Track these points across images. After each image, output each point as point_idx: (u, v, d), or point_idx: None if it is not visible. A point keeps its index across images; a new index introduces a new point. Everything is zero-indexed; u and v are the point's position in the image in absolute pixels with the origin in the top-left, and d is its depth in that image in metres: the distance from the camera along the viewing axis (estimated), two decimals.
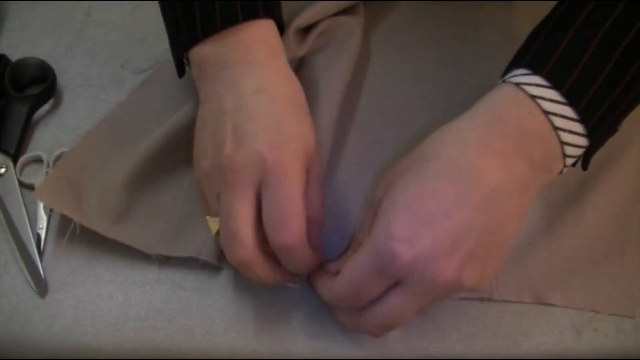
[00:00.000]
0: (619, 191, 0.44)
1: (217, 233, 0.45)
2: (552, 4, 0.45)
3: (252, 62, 0.46)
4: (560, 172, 0.43)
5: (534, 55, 0.43)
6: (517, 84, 0.42)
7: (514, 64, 0.43)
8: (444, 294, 0.41)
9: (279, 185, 0.43)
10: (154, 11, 0.60)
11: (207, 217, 0.46)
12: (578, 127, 0.41)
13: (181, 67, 0.51)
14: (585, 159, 0.45)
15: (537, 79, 0.41)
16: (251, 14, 0.47)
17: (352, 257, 0.42)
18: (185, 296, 0.49)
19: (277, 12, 0.50)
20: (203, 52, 0.47)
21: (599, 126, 0.42)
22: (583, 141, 0.42)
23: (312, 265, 0.46)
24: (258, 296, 0.49)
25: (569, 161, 0.42)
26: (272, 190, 0.43)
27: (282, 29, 0.51)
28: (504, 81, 0.43)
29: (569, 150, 0.42)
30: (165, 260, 0.50)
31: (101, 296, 0.49)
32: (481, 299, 0.49)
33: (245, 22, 0.47)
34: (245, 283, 0.50)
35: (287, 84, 0.47)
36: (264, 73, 0.46)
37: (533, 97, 0.41)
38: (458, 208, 0.40)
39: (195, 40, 0.47)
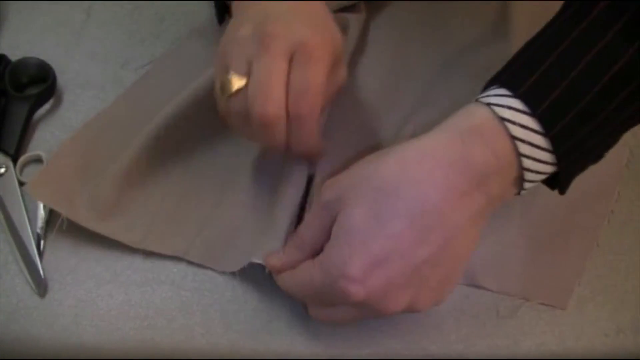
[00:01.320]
0: (573, 183, 0.45)
1: (234, 93, 0.45)
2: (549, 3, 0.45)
3: None
4: (518, 194, 0.43)
5: (512, 74, 0.42)
6: (489, 104, 0.41)
7: (492, 81, 0.43)
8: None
9: (310, 63, 0.44)
10: (154, 11, 0.60)
11: (232, 74, 0.45)
12: (545, 156, 0.41)
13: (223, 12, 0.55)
14: (563, 184, 0.44)
15: (510, 101, 0.40)
16: None
17: (304, 271, 0.43)
18: (185, 296, 0.49)
19: None
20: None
21: (570, 154, 0.41)
22: (547, 168, 0.41)
23: (316, 146, 0.47)
24: (258, 296, 0.49)
25: (527, 185, 0.42)
26: (303, 64, 0.44)
27: None
28: (477, 100, 0.42)
29: (529, 176, 0.41)
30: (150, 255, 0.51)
31: (101, 296, 0.49)
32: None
33: None
34: (245, 283, 0.50)
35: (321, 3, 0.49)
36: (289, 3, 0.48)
37: (503, 119, 0.40)
38: (414, 250, 0.40)
39: None
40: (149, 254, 0.51)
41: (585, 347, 0.48)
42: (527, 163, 0.41)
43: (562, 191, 0.44)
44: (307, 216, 0.47)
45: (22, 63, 0.59)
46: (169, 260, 0.51)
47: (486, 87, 0.44)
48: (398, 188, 0.41)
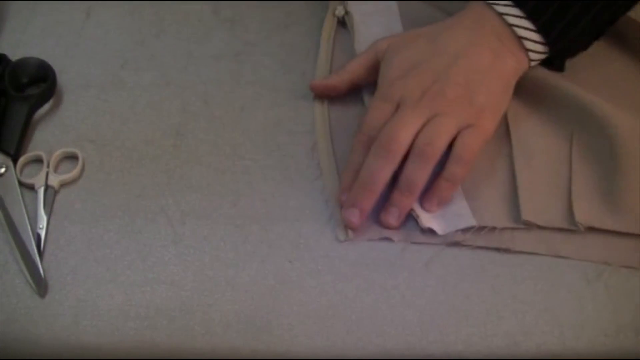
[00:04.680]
0: None
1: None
2: None
3: None
4: (529, 66, 0.56)
5: None
6: (489, 5, 0.54)
7: None
8: (436, 106, 0.52)
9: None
10: (154, 11, 0.60)
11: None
12: (540, 47, 0.55)
13: None
14: (560, 62, 0.58)
15: (506, 1, 0.54)
16: None
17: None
18: (185, 296, 0.49)
19: None
20: None
21: (559, 37, 0.55)
22: (542, 48, 0.55)
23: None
24: (258, 296, 0.49)
25: (533, 55, 0.55)
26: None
27: None
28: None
29: (529, 45, 0.54)
30: None
31: (101, 296, 0.49)
32: (499, 249, 0.52)
33: None
34: (245, 283, 0.50)
35: None
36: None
37: (500, 14, 0.54)
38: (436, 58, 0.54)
39: None
40: (148, 253, 0.51)
41: (585, 347, 0.48)
42: (521, 33, 0.54)
43: (561, 67, 0.58)
44: (356, 57, 0.60)
45: (22, 63, 0.59)
46: (169, 260, 0.51)
47: None
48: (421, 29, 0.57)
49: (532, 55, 0.55)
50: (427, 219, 0.52)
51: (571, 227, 0.52)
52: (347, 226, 0.52)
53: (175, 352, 0.47)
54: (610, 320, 0.49)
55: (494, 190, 0.54)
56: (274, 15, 0.67)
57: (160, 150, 0.57)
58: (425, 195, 0.53)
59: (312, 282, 0.50)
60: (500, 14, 0.55)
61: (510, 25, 0.54)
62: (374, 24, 0.65)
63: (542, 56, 0.56)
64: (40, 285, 0.49)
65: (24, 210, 0.52)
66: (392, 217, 0.52)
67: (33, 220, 0.52)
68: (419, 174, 0.52)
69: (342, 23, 0.65)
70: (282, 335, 0.48)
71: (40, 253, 0.51)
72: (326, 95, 0.60)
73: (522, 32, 0.54)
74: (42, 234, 0.51)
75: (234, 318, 0.48)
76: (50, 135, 0.57)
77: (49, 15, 0.65)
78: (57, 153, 0.56)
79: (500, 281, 0.51)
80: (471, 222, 0.52)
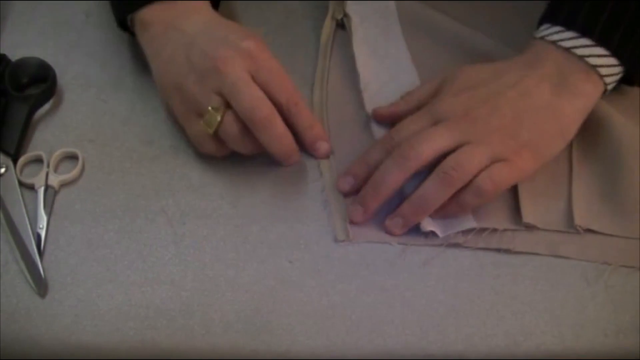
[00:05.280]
0: None
1: (220, 122, 0.52)
2: None
3: (192, 14, 0.56)
4: (605, 91, 0.54)
5: (565, 13, 0.54)
6: (553, 42, 0.54)
7: (546, 20, 0.55)
8: (474, 132, 0.51)
9: (267, 61, 0.53)
10: None
11: (210, 109, 0.52)
12: (611, 60, 0.53)
13: (123, 25, 0.60)
14: (637, 78, 0.57)
15: (570, 34, 0.53)
16: None
17: (416, 117, 0.54)
18: (185, 296, 0.49)
19: None
20: (149, 13, 0.56)
21: (632, 54, 0.53)
22: (617, 70, 0.53)
23: (317, 122, 0.56)
24: (258, 295, 0.49)
25: (608, 79, 0.53)
26: (263, 66, 0.52)
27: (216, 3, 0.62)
28: (541, 38, 0.55)
29: (604, 71, 0.53)
30: None
31: (101, 296, 0.49)
32: (499, 250, 0.52)
33: None
34: (245, 283, 0.50)
35: (224, 18, 0.57)
36: (203, 16, 0.56)
37: (567, 49, 0.53)
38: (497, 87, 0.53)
39: (140, 4, 0.56)
40: (148, 253, 0.51)
41: (585, 347, 0.48)
42: (595, 63, 0.53)
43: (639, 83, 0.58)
44: (424, 82, 0.59)
45: (22, 63, 0.59)
46: (169, 260, 0.51)
47: (540, 25, 0.56)
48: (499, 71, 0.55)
49: (608, 80, 0.53)
50: (428, 223, 0.52)
51: (571, 230, 0.52)
52: (351, 221, 0.53)
53: (175, 352, 0.47)
54: (610, 320, 0.49)
55: (494, 198, 0.54)
56: (274, 15, 0.67)
57: (160, 151, 0.57)
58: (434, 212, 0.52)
59: (312, 282, 0.50)
60: (568, 49, 0.53)
61: (581, 57, 0.52)
62: (372, 25, 0.65)
63: (618, 77, 0.54)
64: (40, 285, 0.49)
65: (24, 210, 0.52)
66: (397, 227, 0.52)
67: (33, 220, 0.52)
68: (436, 195, 0.50)
69: (341, 25, 0.65)
70: (282, 335, 0.48)
71: (40, 253, 0.51)
72: (390, 121, 0.57)
73: (594, 61, 0.52)
74: (42, 234, 0.51)
75: (234, 318, 0.48)
76: (50, 135, 0.57)
77: (49, 15, 0.65)
78: (57, 153, 0.55)
79: (500, 281, 0.51)
80: (472, 224, 0.52)
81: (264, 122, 0.51)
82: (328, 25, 0.65)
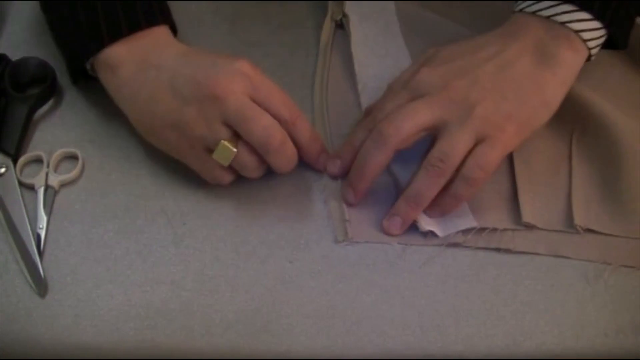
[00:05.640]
0: None
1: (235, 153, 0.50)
2: None
3: (162, 47, 0.53)
4: (589, 57, 0.53)
5: None
6: (533, 12, 0.53)
7: None
8: (453, 107, 0.50)
9: (263, 79, 0.51)
10: None
11: (223, 142, 0.49)
12: (593, 24, 0.52)
13: (78, 73, 0.56)
14: (623, 40, 0.56)
15: (550, 2, 0.52)
16: (152, 21, 0.54)
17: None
18: (185, 296, 0.49)
19: (170, 19, 0.57)
20: (114, 54, 0.53)
21: (614, 16, 0.52)
22: (600, 33, 0.52)
23: (318, 137, 0.55)
24: (258, 296, 0.49)
25: (592, 43, 0.52)
26: (259, 85, 0.50)
27: (175, 31, 0.57)
28: (520, 10, 0.54)
29: (587, 35, 0.52)
30: None
31: (101, 296, 0.49)
32: (499, 249, 0.52)
33: (146, 29, 0.53)
34: (245, 283, 0.50)
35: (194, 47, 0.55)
36: (175, 47, 0.54)
37: (547, 17, 0.52)
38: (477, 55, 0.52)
39: (100, 46, 0.52)
40: (148, 253, 0.51)
41: (585, 347, 0.48)
42: (577, 27, 0.52)
43: (624, 44, 0.56)
44: (407, 67, 0.57)
45: (22, 63, 0.59)
46: (169, 260, 0.51)
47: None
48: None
49: (591, 44, 0.52)
50: (427, 223, 0.52)
51: (570, 230, 0.52)
52: (346, 204, 0.53)
53: (175, 352, 0.47)
54: (610, 320, 0.49)
55: (495, 192, 0.54)
56: (274, 15, 0.67)
57: (160, 151, 0.57)
58: (429, 205, 0.52)
59: (312, 282, 0.50)
60: (548, 17, 0.52)
61: (563, 24, 0.52)
62: (371, 25, 0.65)
63: (601, 41, 0.53)
64: (40, 285, 0.49)
65: (24, 210, 0.52)
66: (395, 226, 0.52)
67: (33, 220, 0.52)
68: (428, 188, 0.50)
69: (341, 25, 0.65)
70: (282, 335, 0.48)
71: (40, 253, 0.51)
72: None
73: (576, 26, 0.52)
74: (42, 234, 0.51)
75: (234, 318, 0.48)
76: (50, 135, 0.57)
77: None
78: (57, 153, 0.55)
79: (500, 281, 0.51)
80: (472, 223, 0.52)
81: (279, 148, 0.50)
82: (328, 26, 0.65)
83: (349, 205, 0.53)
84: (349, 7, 0.65)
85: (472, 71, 0.51)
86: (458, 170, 0.50)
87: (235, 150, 0.50)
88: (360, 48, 0.63)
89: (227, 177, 0.52)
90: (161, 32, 0.55)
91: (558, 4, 0.52)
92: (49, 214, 0.52)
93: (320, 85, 0.61)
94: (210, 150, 0.50)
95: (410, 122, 0.50)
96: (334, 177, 0.55)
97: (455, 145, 0.49)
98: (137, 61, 0.52)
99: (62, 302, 0.49)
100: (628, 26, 0.56)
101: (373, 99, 0.60)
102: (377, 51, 0.64)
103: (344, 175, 0.54)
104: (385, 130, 0.50)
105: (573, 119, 0.57)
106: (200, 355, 0.47)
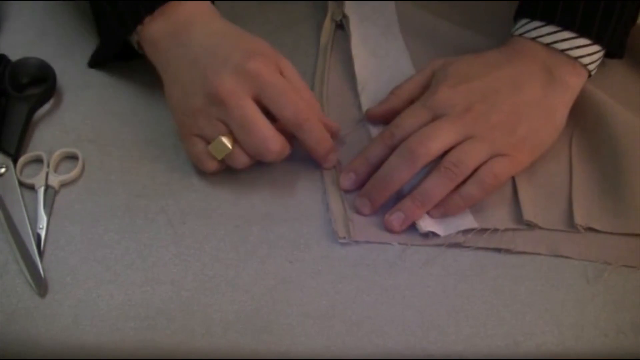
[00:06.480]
0: None
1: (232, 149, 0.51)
2: None
3: (196, 23, 0.54)
4: (590, 74, 0.56)
5: (542, 7, 0.55)
6: (533, 38, 0.55)
7: (523, 15, 0.57)
8: (476, 128, 0.52)
9: (272, 79, 0.51)
10: None
11: (221, 138, 0.51)
12: (592, 49, 0.54)
13: (123, 48, 0.58)
14: (620, 51, 0.58)
15: (549, 29, 0.55)
16: None
17: (411, 110, 0.55)
18: (185, 296, 0.49)
19: None
20: (152, 30, 0.54)
21: (612, 36, 0.55)
22: (599, 55, 0.55)
23: (327, 137, 0.54)
24: (258, 296, 0.49)
25: (591, 66, 0.55)
26: (267, 87, 0.51)
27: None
28: (519, 35, 0.56)
29: (586, 60, 0.55)
30: None
31: (101, 296, 0.49)
32: (499, 250, 0.52)
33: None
34: (245, 283, 0.50)
35: (229, 24, 0.55)
36: (208, 25, 0.55)
37: (547, 45, 0.55)
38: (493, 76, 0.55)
39: (139, 19, 0.54)
40: (148, 253, 0.51)
41: (585, 347, 0.48)
42: (585, 60, 0.55)
43: (620, 56, 0.59)
44: (412, 76, 0.59)
45: (22, 63, 0.59)
46: (169, 260, 0.51)
47: (516, 20, 0.58)
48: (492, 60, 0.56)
49: (591, 67, 0.55)
50: (428, 224, 0.52)
51: (571, 230, 0.52)
52: (358, 213, 0.53)
53: (175, 352, 0.47)
54: (610, 320, 0.49)
55: (495, 192, 0.54)
56: (274, 15, 0.67)
57: (160, 150, 0.57)
58: (434, 207, 0.53)
59: (312, 282, 0.50)
60: (548, 45, 0.55)
61: (563, 51, 0.54)
62: (372, 25, 0.65)
63: (600, 57, 0.56)
64: (40, 285, 0.49)
65: (24, 210, 0.52)
66: (397, 222, 0.52)
67: (33, 220, 0.52)
68: (438, 189, 0.51)
69: (341, 25, 0.65)
70: (282, 335, 0.48)
71: (40, 253, 0.51)
72: (385, 119, 0.58)
73: (576, 52, 0.54)
74: (42, 234, 0.51)
75: (234, 318, 0.48)
76: (50, 135, 0.57)
77: (49, 15, 0.65)
78: (57, 153, 0.55)
79: (500, 281, 0.51)
80: (472, 224, 0.52)
81: (275, 158, 0.52)
82: (328, 26, 0.65)
83: (361, 215, 0.53)
84: (349, 8, 0.65)
85: (491, 95, 0.54)
86: (467, 179, 0.52)
87: (230, 147, 0.51)
88: (360, 48, 0.63)
89: (214, 167, 0.54)
90: (197, 4, 0.56)
91: (557, 31, 0.55)
92: (49, 214, 0.52)
93: (320, 85, 0.61)
94: (207, 141, 0.52)
95: (438, 141, 0.52)
96: (347, 191, 0.55)
97: (471, 154, 0.51)
98: (171, 37, 0.54)
99: (62, 302, 0.49)
100: (624, 40, 0.59)
101: (373, 99, 0.60)
102: (377, 52, 0.64)
103: (358, 188, 0.54)
104: (417, 149, 0.51)
105: (573, 118, 0.57)
106: (200, 355, 0.47)
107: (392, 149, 0.53)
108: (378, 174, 0.53)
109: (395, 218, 0.52)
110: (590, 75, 0.56)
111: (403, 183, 0.52)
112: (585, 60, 0.55)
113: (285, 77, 0.53)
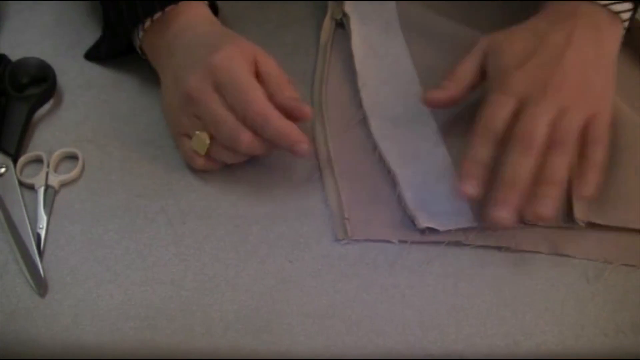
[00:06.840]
0: None
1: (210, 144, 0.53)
2: None
3: (187, 30, 0.56)
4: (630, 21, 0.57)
5: None
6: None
7: None
8: (562, 99, 0.52)
9: (227, 75, 0.51)
10: None
11: (198, 133, 0.53)
12: (628, 5, 0.55)
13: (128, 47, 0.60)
14: None
15: None
16: None
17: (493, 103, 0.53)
18: (185, 296, 0.49)
19: None
20: (149, 41, 0.57)
21: None
22: (631, 6, 0.56)
23: (287, 131, 0.51)
24: (258, 296, 0.49)
25: (625, 18, 0.56)
26: (224, 82, 0.51)
27: (215, 9, 0.61)
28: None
29: (624, 16, 0.56)
30: None
31: (101, 296, 0.49)
32: (499, 248, 0.52)
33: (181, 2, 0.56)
34: (245, 283, 0.50)
35: (217, 27, 0.57)
36: (195, 29, 0.56)
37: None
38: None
39: (137, 21, 0.56)
40: (148, 253, 0.51)
41: (585, 347, 0.48)
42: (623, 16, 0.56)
43: None
44: (463, 60, 0.57)
45: (22, 63, 0.59)
46: (168, 260, 0.51)
47: None
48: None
49: (626, 24, 0.57)
50: (426, 219, 0.52)
51: (571, 226, 0.52)
52: (500, 225, 0.50)
53: (175, 352, 0.47)
54: (610, 320, 0.49)
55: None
56: (274, 15, 0.67)
57: (160, 151, 0.57)
58: (579, 183, 0.52)
59: (312, 282, 0.50)
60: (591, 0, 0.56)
61: (604, 6, 0.55)
62: (372, 24, 0.65)
63: (632, 17, 0.57)
64: (40, 285, 0.49)
65: (24, 210, 0.52)
66: (546, 208, 0.50)
67: (33, 220, 0.52)
68: (562, 165, 0.50)
69: (341, 25, 0.65)
70: (282, 335, 0.48)
71: (40, 253, 0.51)
72: (446, 106, 0.57)
73: (617, 7, 0.55)
74: (42, 234, 0.51)
75: (234, 318, 0.48)
76: (50, 135, 0.57)
77: (49, 15, 0.65)
78: (57, 153, 0.56)
79: (500, 281, 0.51)
80: (472, 223, 0.52)
81: (249, 149, 0.52)
82: (328, 25, 0.65)
83: (505, 227, 0.52)
84: (349, 6, 0.65)
85: (558, 64, 0.53)
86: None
87: (208, 142, 0.53)
88: (360, 47, 0.63)
89: (202, 163, 0.54)
90: (196, 11, 0.57)
91: None
92: (49, 213, 0.53)
93: (320, 84, 0.61)
94: (189, 137, 0.54)
95: (542, 125, 0.51)
96: (469, 198, 0.52)
97: (571, 124, 0.51)
98: (165, 46, 0.56)
99: (62, 302, 0.49)
100: None
101: (373, 98, 0.60)
102: (377, 50, 0.64)
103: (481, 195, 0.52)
104: (531, 140, 0.50)
105: None
106: (200, 355, 0.47)
107: (497, 144, 0.51)
108: (506, 179, 0.50)
109: (544, 205, 0.50)
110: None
111: (533, 176, 0.50)
112: (624, 16, 0.56)
113: (262, 69, 0.53)
